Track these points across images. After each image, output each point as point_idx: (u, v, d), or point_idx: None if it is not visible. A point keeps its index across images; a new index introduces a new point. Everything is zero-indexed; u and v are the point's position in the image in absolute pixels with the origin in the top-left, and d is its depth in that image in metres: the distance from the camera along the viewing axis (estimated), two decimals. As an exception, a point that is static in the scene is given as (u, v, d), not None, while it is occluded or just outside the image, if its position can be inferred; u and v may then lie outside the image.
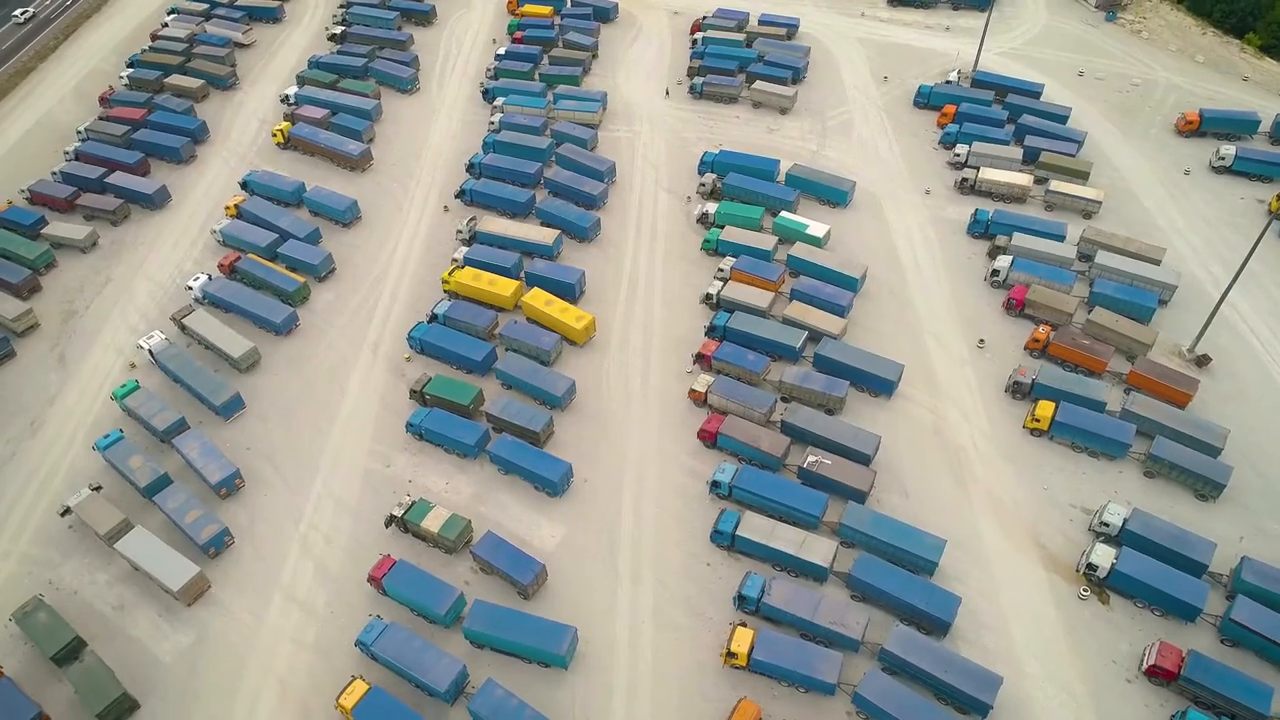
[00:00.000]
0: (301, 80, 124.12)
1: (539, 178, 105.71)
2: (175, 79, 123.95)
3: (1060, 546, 70.91)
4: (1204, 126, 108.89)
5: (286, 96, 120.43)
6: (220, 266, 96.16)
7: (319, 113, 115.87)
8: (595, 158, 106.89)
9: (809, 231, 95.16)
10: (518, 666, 64.91)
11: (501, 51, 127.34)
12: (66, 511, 73.99)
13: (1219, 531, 70.72)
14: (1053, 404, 77.30)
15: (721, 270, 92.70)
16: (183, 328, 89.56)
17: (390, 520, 72.57)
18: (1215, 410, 79.49)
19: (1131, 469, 75.63)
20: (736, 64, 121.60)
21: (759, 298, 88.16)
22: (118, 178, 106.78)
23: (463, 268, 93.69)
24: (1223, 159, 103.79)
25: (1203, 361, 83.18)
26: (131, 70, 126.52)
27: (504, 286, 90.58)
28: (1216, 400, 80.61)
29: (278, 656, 66.46)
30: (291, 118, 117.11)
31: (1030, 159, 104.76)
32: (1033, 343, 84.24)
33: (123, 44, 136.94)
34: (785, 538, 68.68)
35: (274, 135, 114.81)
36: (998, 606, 67.46)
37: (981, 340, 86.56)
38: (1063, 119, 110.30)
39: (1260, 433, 78.00)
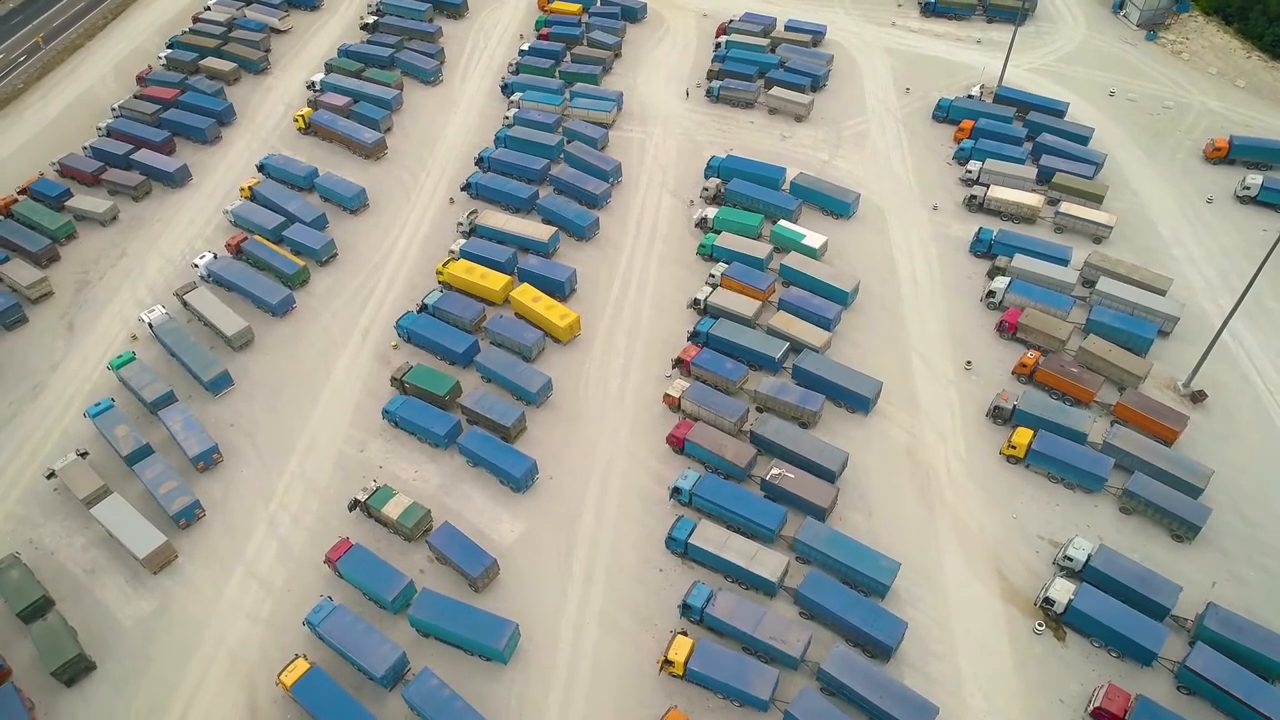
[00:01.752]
0: (329, 68, 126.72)
1: (545, 174, 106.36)
2: (210, 61, 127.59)
3: (1022, 578, 69.19)
4: (1233, 154, 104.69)
5: (312, 83, 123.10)
6: (227, 246, 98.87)
7: (341, 100, 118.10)
8: (602, 157, 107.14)
9: (805, 242, 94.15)
10: (460, 657, 65.73)
11: (525, 47, 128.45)
12: (52, 474, 76.91)
13: (1191, 575, 68.34)
14: (1031, 431, 75.45)
15: (713, 276, 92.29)
16: (185, 303, 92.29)
17: (354, 504, 73.96)
18: (1205, 449, 76.63)
19: (1108, 504, 73.41)
20: (756, 69, 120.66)
21: (745, 306, 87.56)
22: (142, 155, 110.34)
23: (458, 260, 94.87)
24: (1248, 188, 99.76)
25: (1198, 398, 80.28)
26: (170, 51, 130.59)
27: (495, 281, 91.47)
28: (1207, 439, 77.70)
29: (232, 630, 68.30)
30: (315, 104, 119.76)
31: (1045, 179, 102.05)
32: (1020, 368, 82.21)
33: (167, 25, 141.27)
34: (737, 549, 68.24)
35: (295, 120, 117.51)
36: (949, 634, 66.15)
37: (969, 362, 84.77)
38: (1084, 140, 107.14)
39: (1249, 475, 75.03)
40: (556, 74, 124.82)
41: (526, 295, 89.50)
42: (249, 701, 64.21)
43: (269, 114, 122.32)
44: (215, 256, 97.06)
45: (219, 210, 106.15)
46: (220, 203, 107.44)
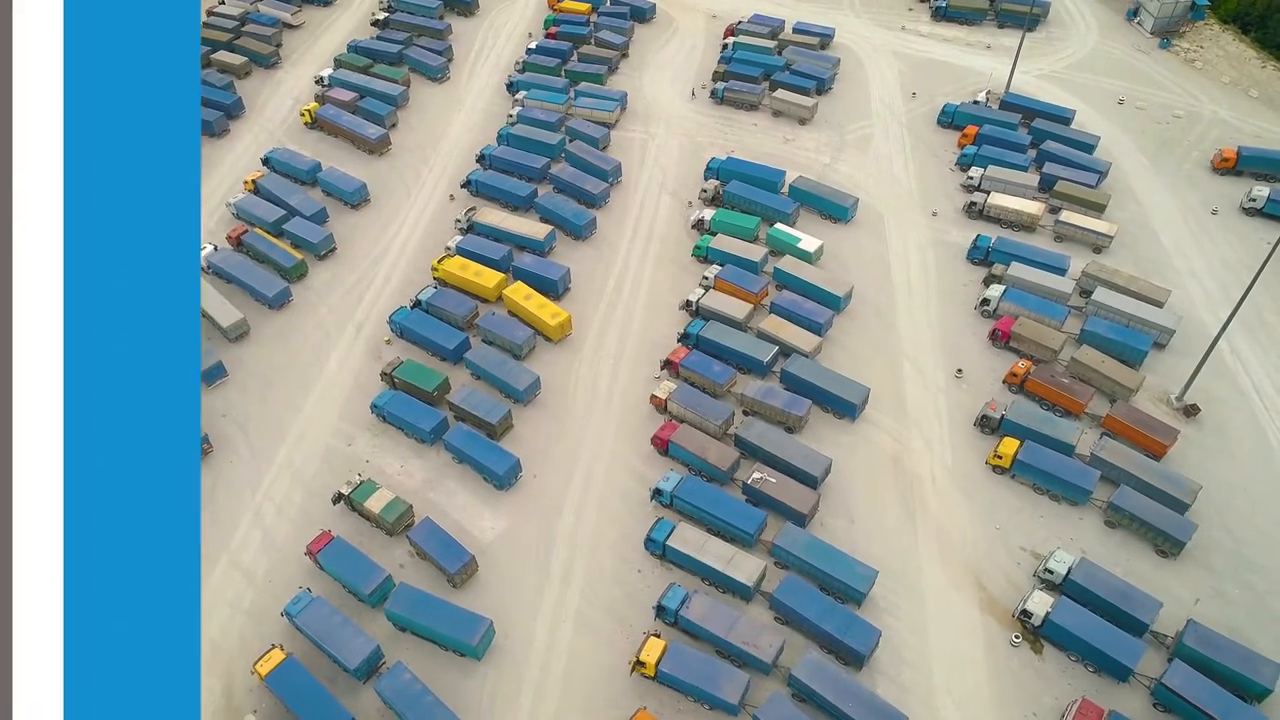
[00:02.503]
0: (338, 63, 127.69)
1: (545, 173, 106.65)
2: (221, 55, 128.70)
3: (1002, 589, 68.62)
4: (1241, 165, 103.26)
5: (321, 78, 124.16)
6: (228, 238, 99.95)
7: (348, 95, 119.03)
8: (602, 157, 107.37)
9: (800, 245, 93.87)
10: (435, 652, 66.06)
11: (532, 46, 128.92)
12: (45, 460, 78.02)
13: (1174, 591, 67.47)
14: (1017, 442, 74.81)
15: (706, 278, 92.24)
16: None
17: (338, 498, 74.52)
18: (1195, 464, 75.65)
19: (1093, 517, 72.64)
20: (761, 71, 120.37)
21: (737, 309, 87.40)
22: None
23: (453, 256, 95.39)
24: (1254, 200, 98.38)
25: (1191, 411, 79.28)
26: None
27: (489, 278, 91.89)
28: (1198, 453, 76.71)
29: (213, 619, 68.88)
30: (321, 99, 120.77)
31: (1047, 186, 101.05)
32: (1011, 377, 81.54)
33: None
34: (714, 552, 68.16)
35: (302, 115, 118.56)
36: (924, 644, 65.72)
37: (960, 370, 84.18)
38: (1089, 148, 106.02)
39: (1239, 491, 73.98)
40: (562, 73, 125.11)
41: (519, 293, 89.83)
42: (225, 690, 64.90)
43: (277, 108, 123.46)
44: (215, 249, 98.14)
45: (223, 203, 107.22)
46: (225, 195, 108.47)
